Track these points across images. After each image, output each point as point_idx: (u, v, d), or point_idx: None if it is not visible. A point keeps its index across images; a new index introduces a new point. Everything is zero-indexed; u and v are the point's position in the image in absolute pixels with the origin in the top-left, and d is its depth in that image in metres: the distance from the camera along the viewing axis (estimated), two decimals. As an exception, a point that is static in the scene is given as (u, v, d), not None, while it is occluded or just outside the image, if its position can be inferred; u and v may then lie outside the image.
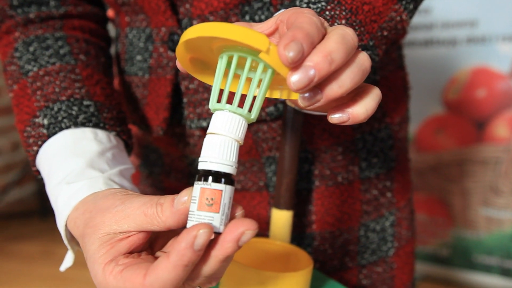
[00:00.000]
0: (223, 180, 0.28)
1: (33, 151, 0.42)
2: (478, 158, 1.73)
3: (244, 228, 0.26)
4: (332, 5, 0.37)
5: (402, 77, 0.58)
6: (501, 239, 1.72)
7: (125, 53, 0.53)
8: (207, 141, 0.29)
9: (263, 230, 0.53)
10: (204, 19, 0.45)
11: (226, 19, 0.45)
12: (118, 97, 0.48)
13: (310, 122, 0.49)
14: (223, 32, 0.26)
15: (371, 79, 0.51)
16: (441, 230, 1.83)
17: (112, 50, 0.57)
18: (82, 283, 2.03)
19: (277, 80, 0.32)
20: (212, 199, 0.27)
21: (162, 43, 0.48)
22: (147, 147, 0.60)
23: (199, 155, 0.51)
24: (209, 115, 0.48)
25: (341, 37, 0.27)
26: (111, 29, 0.59)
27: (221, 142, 0.28)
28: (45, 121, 0.42)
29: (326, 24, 0.30)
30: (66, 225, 0.37)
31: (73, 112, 0.42)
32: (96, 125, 0.42)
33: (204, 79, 0.34)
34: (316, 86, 0.27)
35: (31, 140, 0.42)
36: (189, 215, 0.29)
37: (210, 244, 0.28)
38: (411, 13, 0.42)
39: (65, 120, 0.41)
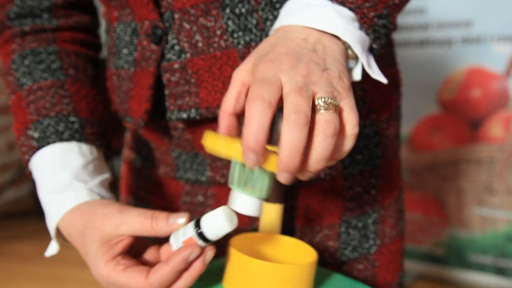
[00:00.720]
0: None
1: (25, 159, 0.49)
2: (473, 158, 1.74)
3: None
4: None
5: (393, 74, 0.58)
6: (495, 238, 1.73)
7: (113, 47, 0.54)
8: (219, 214, 0.40)
9: (247, 225, 0.54)
10: (185, 12, 0.47)
11: (206, 12, 0.46)
12: (102, 109, 0.54)
13: None
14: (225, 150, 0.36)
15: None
16: (436, 229, 1.84)
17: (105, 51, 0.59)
18: (77, 282, 2.02)
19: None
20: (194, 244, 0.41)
21: (146, 36, 0.49)
22: (140, 141, 0.61)
23: (183, 148, 0.54)
24: (188, 106, 0.48)
25: (294, 128, 0.32)
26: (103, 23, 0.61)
27: (221, 225, 0.40)
28: (36, 135, 0.49)
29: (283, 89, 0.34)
30: (56, 226, 0.46)
31: (60, 128, 0.49)
32: (79, 140, 0.49)
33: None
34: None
35: (24, 149, 0.49)
36: (174, 233, 0.42)
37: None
38: None
39: (52, 136, 0.48)
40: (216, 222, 0.39)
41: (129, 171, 0.65)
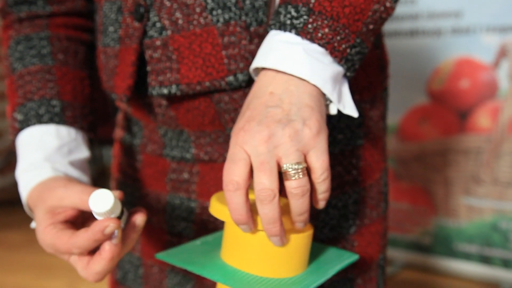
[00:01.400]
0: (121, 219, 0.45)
1: (11, 140, 0.55)
2: (461, 148, 1.76)
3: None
4: (314, 16, 0.40)
5: (378, 56, 0.58)
6: (481, 228, 1.76)
7: (101, 25, 0.55)
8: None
9: None
10: None
11: None
12: (90, 91, 0.58)
13: None
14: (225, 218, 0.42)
15: None
16: (423, 219, 1.86)
17: None
18: (66, 270, 2.02)
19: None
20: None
21: (129, 14, 0.51)
22: (131, 120, 0.63)
23: (169, 125, 0.55)
24: (169, 82, 0.49)
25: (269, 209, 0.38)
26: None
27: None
28: (19, 117, 0.53)
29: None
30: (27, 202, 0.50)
31: (40, 112, 0.53)
32: (58, 123, 0.53)
33: None
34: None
35: (10, 130, 0.55)
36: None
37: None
38: None
39: (32, 119, 0.53)
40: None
41: (119, 149, 0.66)
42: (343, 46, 0.41)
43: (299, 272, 0.43)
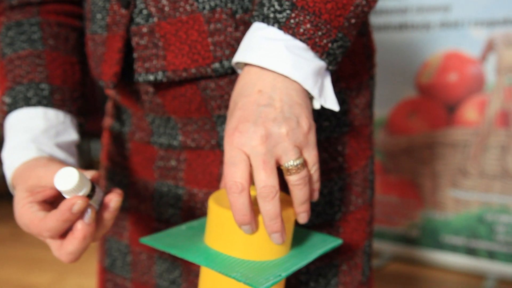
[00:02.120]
0: (91, 199, 0.43)
1: (0, 124, 0.55)
2: (448, 141, 1.77)
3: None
4: (296, 11, 0.41)
5: (364, 44, 0.58)
6: (467, 220, 1.78)
7: (89, 13, 0.55)
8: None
9: (215, 188, 0.55)
10: None
11: None
12: (80, 76, 0.58)
13: None
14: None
15: None
16: (411, 212, 1.88)
17: None
18: (54, 264, 2.01)
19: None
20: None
21: (116, 1, 0.51)
22: (119, 108, 0.63)
23: (156, 113, 0.56)
24: (156, 69, 0.50)
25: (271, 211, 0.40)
26: None
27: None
28: (8, 100, 0.53)
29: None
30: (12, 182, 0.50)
31: (29, 95, 0.53)
32: (46, 106, 0.53)
33: None
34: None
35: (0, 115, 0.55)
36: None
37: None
38: None
39: (20, 101, 0.53)
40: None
41: (108, 137, 0.66)
42: (324, 41, 0.41)
43: (281, 255, 0.43)
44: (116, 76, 0.51)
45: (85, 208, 0.41)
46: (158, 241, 0.44)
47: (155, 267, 0.60)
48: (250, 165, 0.39)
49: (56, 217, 0.40)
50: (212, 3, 0.46)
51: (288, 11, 0.41)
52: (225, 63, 0.48)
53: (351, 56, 0.55)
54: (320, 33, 0.41)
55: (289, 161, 0.39)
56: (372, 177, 0.61)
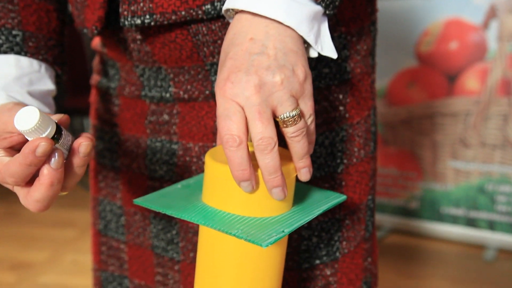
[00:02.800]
0: (57, 142, 0.38)
1: None
2: (449, 111, 1.74)
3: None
4: None
5: None
6: (467, 191, 1.76)
7: None
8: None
9: (210, 141, 0.52)
10: None
11: None
12: (57, 24, 0.54)
13: None
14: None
15: None
16: (411, 183, 1.86)
17: None
18: (49, 241, 1.99)
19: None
20: None
21: None
22: (107, 63, 0.60)
23: (145, 63, 0.53)
24: (143, 12, 0.47)
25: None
26: None
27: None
28: None
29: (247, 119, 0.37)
30: None
31: (0, 41, 0.50)
32: (19, 53, 0.50)
33: None
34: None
35: None
36: None
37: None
38: None
39: None
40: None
41: (96, 95, 0.63)
42: None
43: (283, 212, 0.41)
44: (100, 21, 0.48)
45: (50, 151, 0.36)
46: (152, 201, 0.42)
47: (151, 227, 0.58)
48: (245, 118, 0.37)
49: (19, 161, 0.37)
50: None
51: None
52: (217, 4, 0.44)
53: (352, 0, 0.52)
54: None
55: (285, 112, 0.37)
56: (374, 129, 0.58)
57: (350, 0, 0.52)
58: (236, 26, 0.39)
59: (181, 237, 0.56)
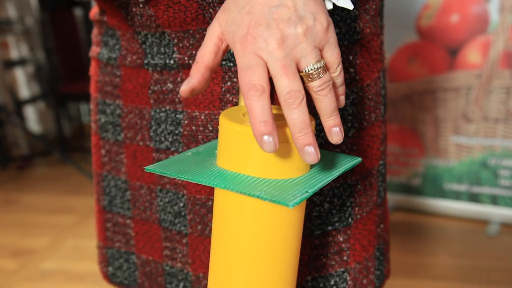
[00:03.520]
0: None
1: None
2: (451, 86, 1.72)
3: None
4: None
5: None
6: (470, 166, 1.75)
7: None
8: None
9: (217, 109, 0.51)
10: None
11: None
12: None
13: None
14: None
15: None
16: (413, 160, 1.85)
17: None
18: (49, 228, 1.97)
19: None
20: None
21: None
22: (107, 33, 0.57)
23: (148, 28, 0.50)
24: None
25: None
26: None
27: None
28: None
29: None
30: None
31: None
32: None
33: None
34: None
35: None
36: None
37: None
38: None
39: None
40: None
41: (96, 67, 0.60)
42: None
43: (303, 173, 0.40)
44: None
45: None
46: (165, 168, 0.40)
47: (157, 200, 0.56)
48: (268, 71, 0.35)
49: None
50: None
51: None
52: None
53: None
54: None
55: (310, 65, 0.35)
56: (384, 92, 0.57)
57: None
58: None
59: (189, 210, 0.54)
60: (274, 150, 0.35)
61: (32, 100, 2.89)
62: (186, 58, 0.50)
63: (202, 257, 0.54)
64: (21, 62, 2.88)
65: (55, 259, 1.74)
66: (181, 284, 0.57)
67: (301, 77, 0.36)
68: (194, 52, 0.49)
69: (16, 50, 2.88)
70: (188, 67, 0.50)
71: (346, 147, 0.53)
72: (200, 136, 0.51)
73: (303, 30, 0.35)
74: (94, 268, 1.41)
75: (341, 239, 0.54)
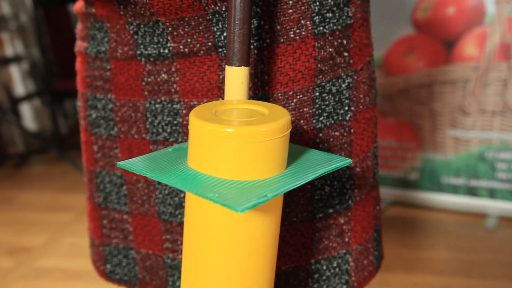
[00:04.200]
0: None
1: None
2: (447, 79, 1.72)
3: None
4: None
5: None
6: (467, 159, 1.75)
7: None
8: None
9: (216, 96, 0.50)
10: None
11: None
12: None
13: None
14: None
15: None
16: (410, 154, 1.84)
17: None
18: (45, 225, 1.96)
19: None
20: None
21: None
22: (93, 26, 0.56)
23: (141, 18, 0.49)
24: None
25: None
26: None
27: None
28: None
29: None
30: None
31: None
32: None
33: None
34: None
35: None
36: None
37: None
38: None
39: None
40: None
41: (83, 63, 0.58)
42: None
43: (273, 174, 0.37)
44: None
45: None
46: (134, 164, 0.39)
47: (156, 193, 0.55)
48: None
49: None
50: None
51: None
52: None
53: None
54: None
55: None
56: (374, 76, 0.58)
57: None
58: None
59: None
60: None
61: (28, 97, 2.87)
62: (181, 47, 0.49)
63: None
64: (16, 59, 2.86)
65: (52, 257, 1.73)
66: None
67: None
68: (189, 40, 0.48)
69: (11, 47, 2.86)
70: (183, 55, 0.49)
71: (345, 130, 0.53)
72: None
73: None
74: (91, 265, 1.40)
75: (342, 221, 0.55)
